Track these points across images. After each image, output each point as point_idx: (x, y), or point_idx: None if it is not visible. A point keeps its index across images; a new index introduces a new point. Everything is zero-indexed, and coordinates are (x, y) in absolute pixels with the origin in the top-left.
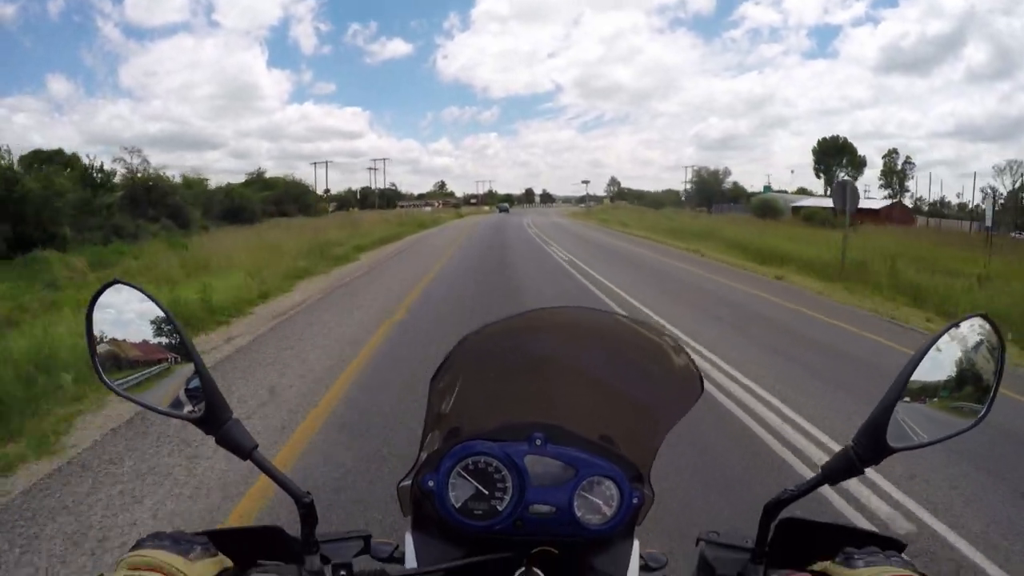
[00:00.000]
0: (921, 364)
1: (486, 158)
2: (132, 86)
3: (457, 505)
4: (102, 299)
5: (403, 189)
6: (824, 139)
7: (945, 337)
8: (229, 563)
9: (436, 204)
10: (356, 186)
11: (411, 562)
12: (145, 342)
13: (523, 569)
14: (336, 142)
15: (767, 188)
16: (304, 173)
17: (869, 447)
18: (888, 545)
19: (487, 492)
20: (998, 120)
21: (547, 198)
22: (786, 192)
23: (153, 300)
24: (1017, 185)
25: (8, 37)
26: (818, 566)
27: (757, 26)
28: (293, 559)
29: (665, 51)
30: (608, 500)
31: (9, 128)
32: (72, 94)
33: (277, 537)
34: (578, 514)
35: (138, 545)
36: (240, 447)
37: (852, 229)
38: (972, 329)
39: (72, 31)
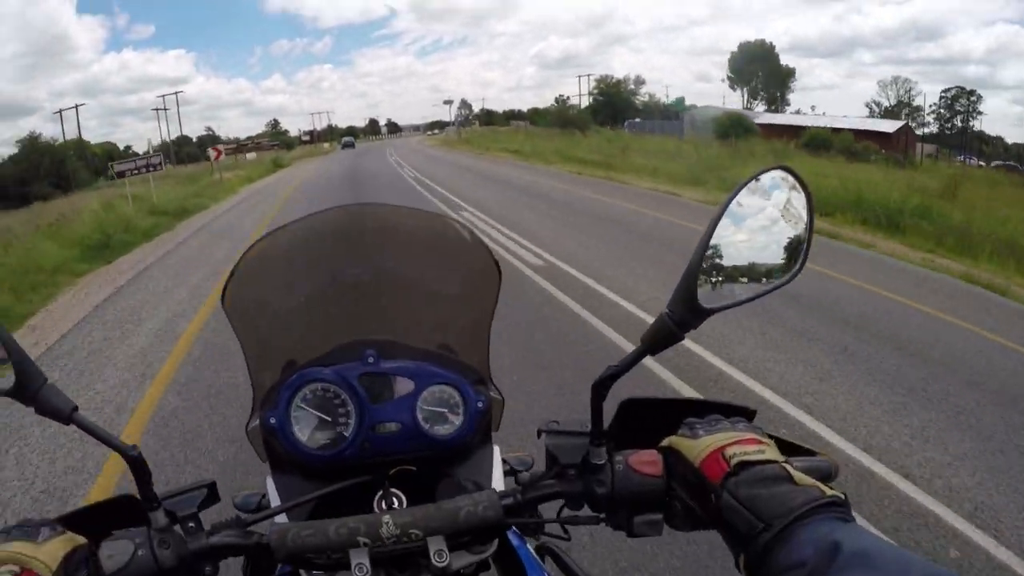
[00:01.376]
0: (724, 223)
1: (322, 91)
2: None
3: (304, 438)
4: None
5: (232, 134)
6: (747, 43)
7: (744, 191)
8: (80, 539)
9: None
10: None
11: (276, 505)
12: None
13: (381, 492)
14: (162, 90)
15: (679, 101)
16: (130, 133)
17: (684, 312)
18: (735, 412)
19: (330, 420)
20: (833, 37)
21: (394, 128)
22: (711, 106)
23: None
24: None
25: None
26: (664, 442)
27: None
28: (143, 522)
29: None
30: (453, 408)
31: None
32: None
33: (129, 505)
34: (425, 427)
35: None
36: (59, 411)
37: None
38: (773, 182)
39: None
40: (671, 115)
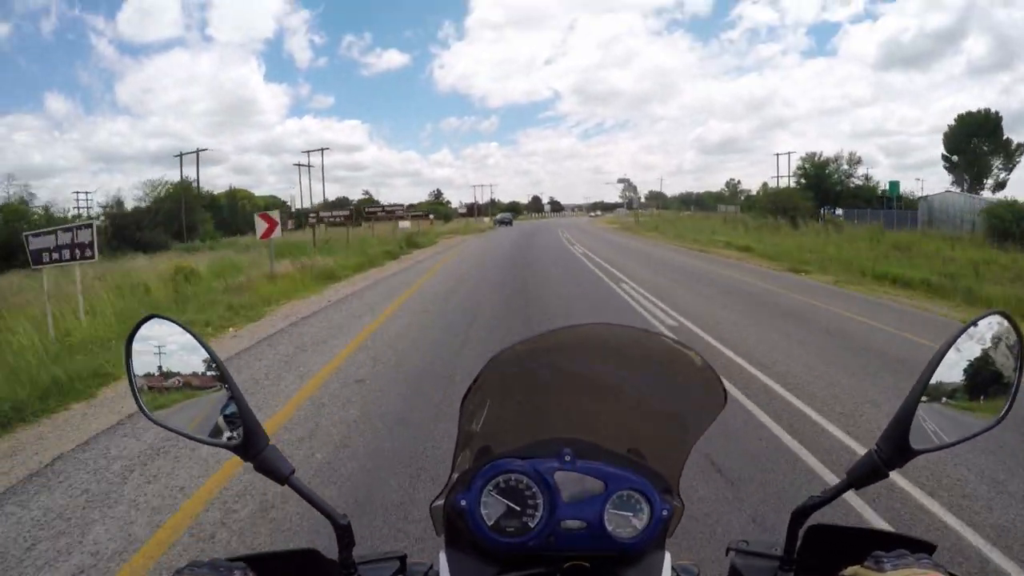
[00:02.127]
0: (941, 364)
1: (487, 168)
2: (129, 103)
3: (490, 523)
4: (141, 332)
5: (399, 200)
6: (966, 114)
7: (963, 337)
8: None
9: (269, 225)
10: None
11: None
12: (182, 373)
13: None
14: (337, 155)
15: (895, 186)
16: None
17: (893, 450)
18: (917, 547)
19: (519, 509)
20: (1001, 111)
21: (557, 207)
22: (951, 191)
23: (189, 332)
24: None
25: (3, 56)
26: (847, 571)
27: (755, 26)
28: None
29: (663, 54)
30: (638, 513)
31: (10, 147)
32: (70, 112)
33: (313, 559)
34: (609, 528)
35: (177, 574)
36: (278, 472)
37: None
38: (990, 327)
39: (67, 49)
40: (875, 201)
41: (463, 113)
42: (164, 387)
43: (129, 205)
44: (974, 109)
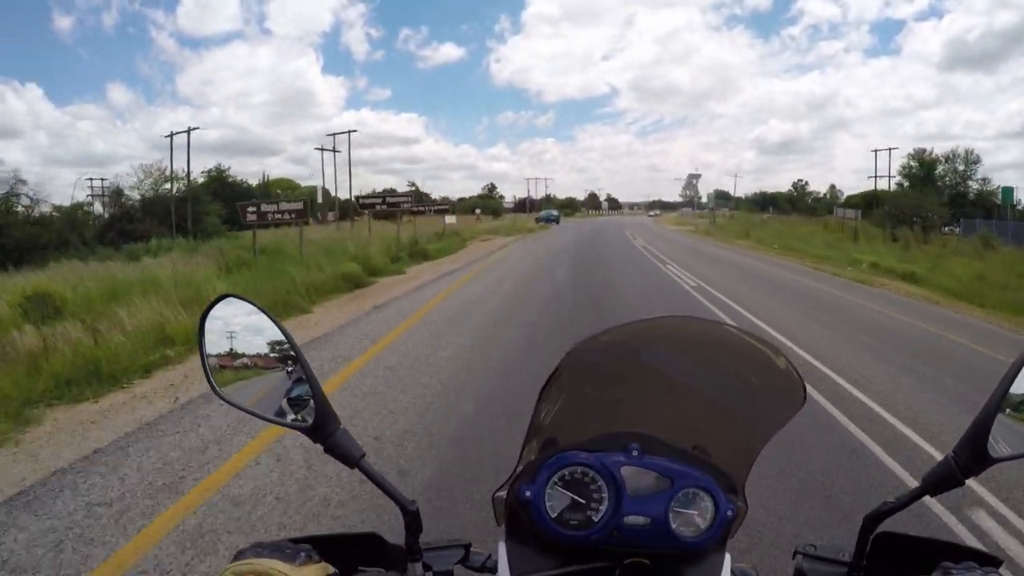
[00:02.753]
0: (1020, 375)
1: (543, 163)
2: (190, 94)
3: (553, 515)
4: (214, 311)
5: (454, 194)
6: None
7: None
8: (332, 569)
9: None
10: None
11: (504, 571)
12: (256, 352)
13: None
14: (394, 148)
15: (1008, 192)
16: (361, 181)
17: (970, 457)
18: (985, 561)
19: (583, 502)
20: None
21: (614, 204)
22: None
23: (263, 311)
24: None
25: (67, 48)
26: None
27: (816, 22)
28: (392, 565)
29: (722, 50)
30: (703, 512)
31: (74, 135)
32: (132, 102)
33: (376, 544)
34: (673, 525)
35: (240, 555)
36: (348, 456)
37: None
38: None
39: (128, 41)
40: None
41: (519, 108)
42: (236, 366)
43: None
44: None
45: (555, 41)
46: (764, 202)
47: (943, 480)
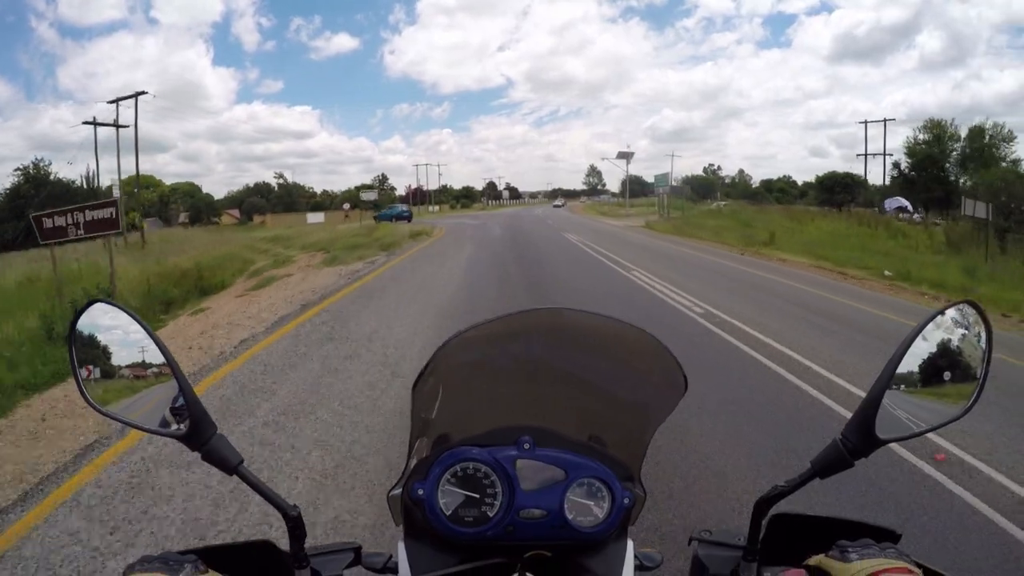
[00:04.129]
0: (908, 353)
1: (439, 155)
2: (73, 88)
3: (448, 513)
4: (83, 319)
5: (343, 187)
6: None
7: (931, 326)
8: None
9: None
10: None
11: (404, 571)
12: (128, 361)
13: (516, 575)
14: (287, 143)
15: None
16: (252, 176)
17: (859, 439)
18: (882, 536)
19: (478, 498)
20: (950, 108)
21: (515, 193)
22: None
23: (134, 318)
24: None
25: None
26: (812, 560)
27: (710, 15)
28: (284, 573)
29: (617, 41)
30: (599, 501)
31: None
32: (11, 98)
33: (267, 551)
34: (569, 517)
35: (128, 570)
36: (225, 462)
37: None
38: (959, 317)
39: (5, 31)
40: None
41: (415, 99)
42: (111, 376)
43: None
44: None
45: (451, 32)
46: (700, 188)
47: (832, 463)
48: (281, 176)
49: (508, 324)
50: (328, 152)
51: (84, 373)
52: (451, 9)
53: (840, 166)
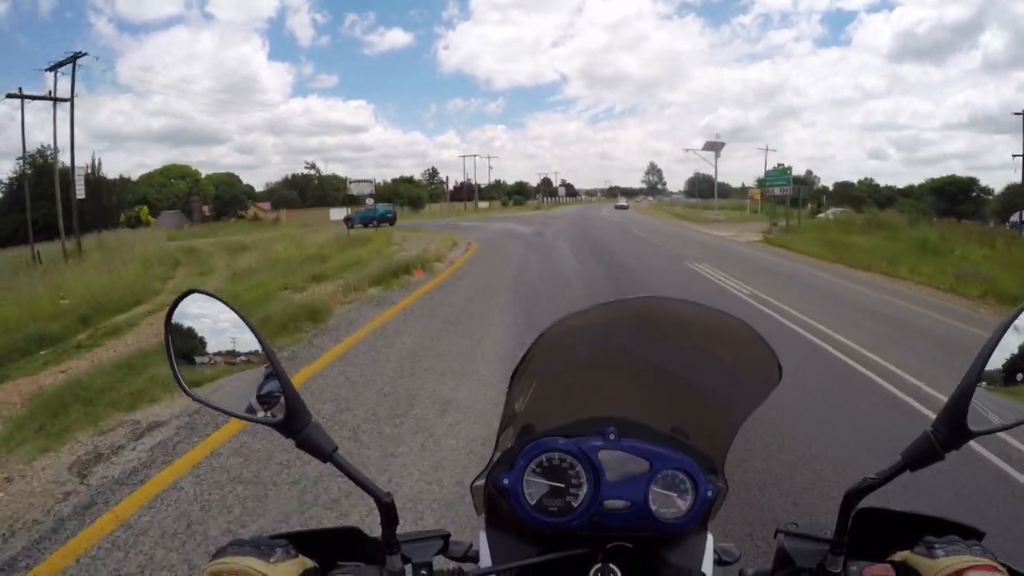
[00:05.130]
0: (998, 348)
1: (494, 151)
2: (130, 81)
3: (532, 502)
4: (180, 308)
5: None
6: None
7: (1021, 318)
8: (310, 563)
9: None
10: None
11: (485, 560)
12: (224, 349)
13: (599, 565)
14: (342, 136)
15: None
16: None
17: (950, 432)
18: (967, 534)
19: (562, 488)
20: (1013, 110)
21: (571, 191)
22: None
23: (230, 307)
24: None
25: (3, 34)
26: (897, 556)
27: (767, 12)
28: (372, 559)
29: (672, 39)
30: (683, 493)
31: (12, 125)
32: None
33: (356, 537)
34: (653, 508)
35: (219, 553)
36: (321, 450)
37: None
38: None
39: (65, 27)
40: None
41: (469, 95)
42: (206, 363)
43: None
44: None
45: (504, 28)
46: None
47: (923, 455)
48: (313, 167)
49: (600, 315)
50: (382, 146)
51: (180, 360)
52: (504, 5)
53: (898, 169)
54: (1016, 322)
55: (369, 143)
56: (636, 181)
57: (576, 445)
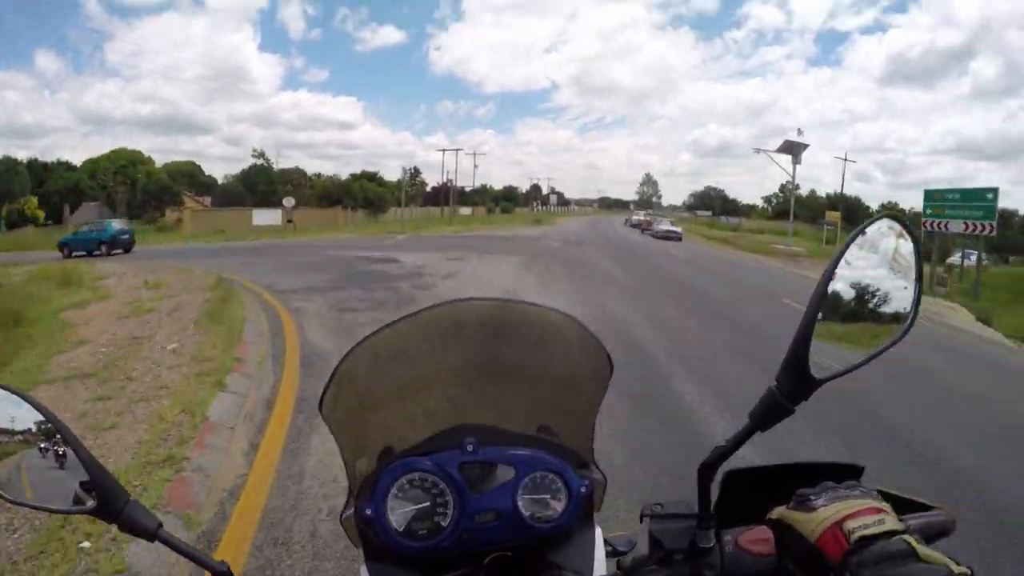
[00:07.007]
0: (833, 282)
1: (480, 154)
2: (119, 64)
3: (400, 529)
4: None
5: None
6: None
7: (852, 248)
8: None
9: None
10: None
11: None
12: (26, 443)
13: None
14: (331, 132)
15: None
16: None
17: (794, 383)
18: (843, 474)
19: (429, 509)
20: (1000, 138)
21: (562, 200)
22: None
23: (26, 399)
24: None
25: None
26: (774, 514)
27: (760, 27)
28: None
29: (665, 50)
30: (555, 494)
31: (1, 105)
32: (60, 71)
33: None
34: (526, 514)
35: None
36: (144, 529)
37: None
38: (881, 233)
39: (56, 6)
40: None
41: (459, 97)
42: (8, 462)
43: None
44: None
45: (497, 31)
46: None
47: (771, 412)
48: (261, 155)
49: (420, 323)
50: (371, 144)
51: None
52: (498, 8)
53: (885, 193)
54: (847, 255)
55: (357, 141)
56: (628, 193)
57: (434, 463)
